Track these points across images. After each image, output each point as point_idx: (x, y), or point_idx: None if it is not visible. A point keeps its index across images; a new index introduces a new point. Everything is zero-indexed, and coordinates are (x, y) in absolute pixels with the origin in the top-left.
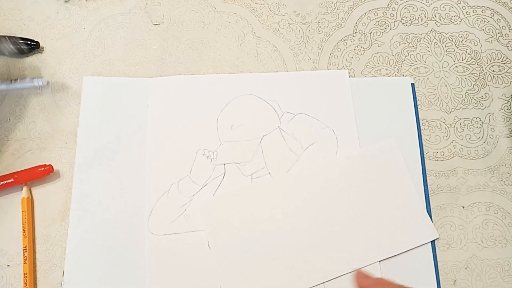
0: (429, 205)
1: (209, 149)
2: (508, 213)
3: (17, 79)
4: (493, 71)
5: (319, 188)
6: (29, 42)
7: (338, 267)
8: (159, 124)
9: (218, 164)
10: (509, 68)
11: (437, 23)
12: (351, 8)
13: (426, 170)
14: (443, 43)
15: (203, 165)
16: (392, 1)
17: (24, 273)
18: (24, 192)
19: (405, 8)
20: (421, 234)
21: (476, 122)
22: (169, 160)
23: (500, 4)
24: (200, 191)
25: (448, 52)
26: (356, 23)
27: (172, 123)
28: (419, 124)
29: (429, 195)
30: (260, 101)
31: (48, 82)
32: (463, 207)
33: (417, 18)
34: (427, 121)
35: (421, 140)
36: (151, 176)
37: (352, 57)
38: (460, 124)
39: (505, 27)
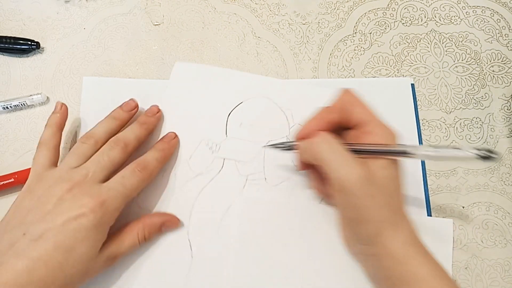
0: (429, 205)
1: (213, 140)
2: (508, 213)
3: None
4: (493, 71)
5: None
6: (29, 42)
7: None
8: (172, 107)
9: (219, 157)
10: (509, 68)
11: (437, 23)
12: (351, 8)
13: (426, 170)
14: (443, 43)
15: (204, 155)
16: (392, 1)
17: None
18: None
19: (405, 8)
20: None
21: (476, 122)
22: None
23: (500, 4)
24: (194, 178)
25: (448, 52)
26: (356, 23)
27: (185, 109)
28: (419, 124)
29: (429, 195)
30: (275, 107)
31: (47, 97)
32: (463, 207)
33: (417, 18)
34: (427, 121)
35: (421, 140)
36: None
37: (352, 57)
38: (460, 124)
39: (505, 27)
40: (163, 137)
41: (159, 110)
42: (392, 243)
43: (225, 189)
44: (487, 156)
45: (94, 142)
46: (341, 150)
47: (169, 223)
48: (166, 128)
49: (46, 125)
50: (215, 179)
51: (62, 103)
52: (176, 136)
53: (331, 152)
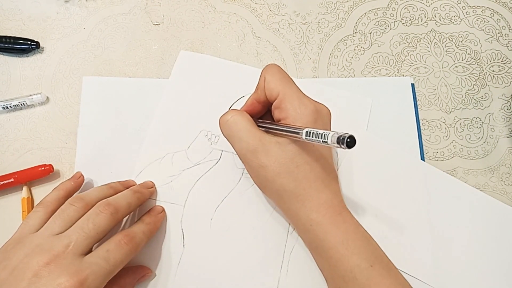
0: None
1: (213, 132)
2: None
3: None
4: (493, 71)
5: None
6: (29, 42)
7: None
8: (174, 95)
9: (217, 149)
10: (509, 68)
11: (437, 23)
12: (351, 8)
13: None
14: (443, 43)
15: (202, 145)
16: (392, 1)
17: None
18: (24, 192)
19: (405, 8)
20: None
21: (476, 122)
22: (172, 131)
23: (500, 4)
24: (191, 168)
25: (448, 52)
26: (356, 23)
27: (187, 98)
28: (419, 124)
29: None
30: None
31: (47, 97)
32: None
33: (417, 18)
34: (427, 121)
35: (421, 140)
36: (150, 141)
37: (352, 57)
38: (460, 124)
39: (505, 27)
40: (150, 210)
41: (163, 210)
42: (300, 212)
43: (220, 181)
44: (348, 145)
45: (84, 205)
46: (245, 125)
47: (143, 279)
48: (167, 113)
49: (55, 188)
50: (212, 171)
51: (81, 175)
52: (163, 210)
53: (234, 129)
